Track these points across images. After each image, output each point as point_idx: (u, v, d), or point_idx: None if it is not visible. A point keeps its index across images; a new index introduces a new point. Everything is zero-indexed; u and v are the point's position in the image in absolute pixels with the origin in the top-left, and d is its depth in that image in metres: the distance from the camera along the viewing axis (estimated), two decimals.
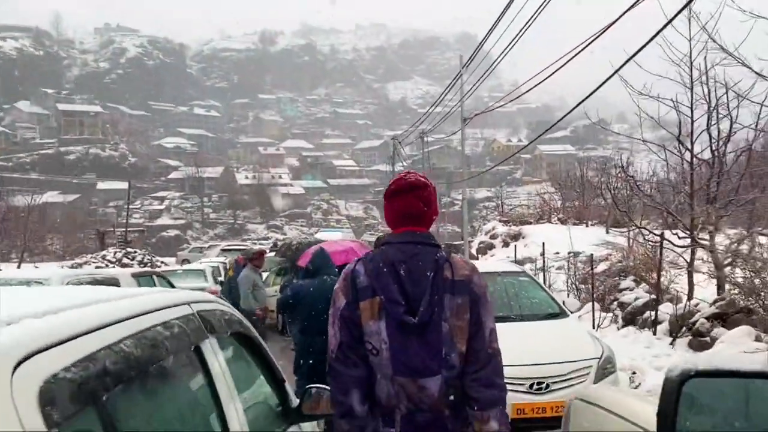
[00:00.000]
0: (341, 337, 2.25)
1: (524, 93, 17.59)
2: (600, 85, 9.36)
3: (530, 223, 26.47)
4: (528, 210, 34.60)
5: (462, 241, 24.18)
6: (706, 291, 9.75)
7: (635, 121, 11.45)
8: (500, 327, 2.36)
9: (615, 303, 11.48)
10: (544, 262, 15.41)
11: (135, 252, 31.84)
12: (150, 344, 1.36)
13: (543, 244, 15.69)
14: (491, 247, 24.85)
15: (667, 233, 10.45)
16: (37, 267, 32.94)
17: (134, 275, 10.28)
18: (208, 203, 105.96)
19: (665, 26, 7.96)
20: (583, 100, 10.75)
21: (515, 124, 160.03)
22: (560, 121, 18.27)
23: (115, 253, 30.81)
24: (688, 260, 10.11)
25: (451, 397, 2.21)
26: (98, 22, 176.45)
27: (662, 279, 10.27)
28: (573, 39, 11.47)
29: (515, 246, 20.51)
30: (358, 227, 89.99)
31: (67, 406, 1.01)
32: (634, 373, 7.23)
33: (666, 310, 9.27)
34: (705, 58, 9.41)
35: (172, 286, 11.61)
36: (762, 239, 11.30)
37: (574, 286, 13.59)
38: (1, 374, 0.93)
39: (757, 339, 5.86)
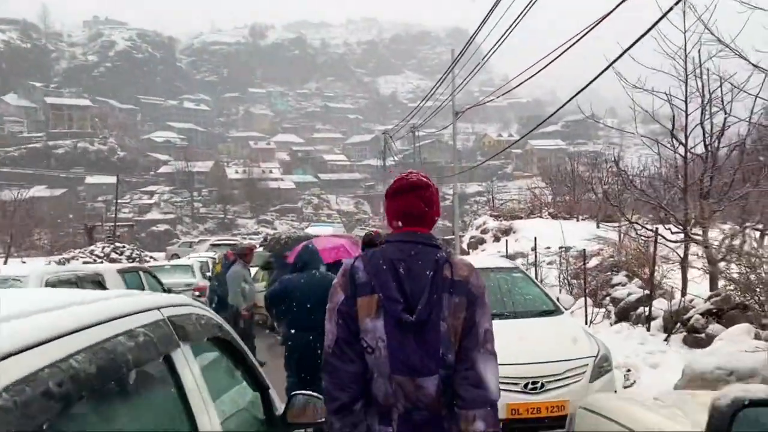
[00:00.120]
0: (338, 332, 2.23)
1: (515, 87, 17.51)
2: (595, 78, 9.25)
3: (521, 218, 26.39)
4: (519, 205, 34.52)
5: (453, 236, 24.06)
6: (699, 287, 9.66)
7: (626, 116, 11.38)
8: (493, 324, 2.31)
9: (607, 298, 11.38)
10: (536, 257, 15.31)
11: (123, 247, 31.56)
12: (108, 358, 1.19)
13: (535, 239, 15.59)
14: (482, 241, 24.77)
15: (660, 228, 10.36)
16: (24, 262, 32.63)
17: (120, 271, 10.08)
18: (198, 198, 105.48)
19: (661, 18, 7.84)
20: (577, 93, 10.64)
21: (506, 118, 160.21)
22: (552, 116, 18.21)
23: (103, 248, 30.53)
24: (681, 255, 10.02)
25: (449, 397, 2.19)
26: (86, 15, 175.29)
27: (655, 274, 10.18)
28: (564, 33, 11.35)
29: (506, 241, 20.41)
30: (348, 222, 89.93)
31: None
32: (628, 370, 7.12)
33: (660, 305, 9.17)
34: (699, 51, 9.31)
35: (160, 282, 11.43)
36: (756, 234, 11.27)
37: (566, 281, 13.50)
38: None
39: (756, 337, 5.76)
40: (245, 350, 2.29)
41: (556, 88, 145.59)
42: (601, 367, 5.45)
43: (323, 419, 2.34)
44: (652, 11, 8.21)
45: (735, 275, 8.26)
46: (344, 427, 2.19)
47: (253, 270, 11.72)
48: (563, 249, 16.35)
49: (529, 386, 5.15)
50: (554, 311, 6.55)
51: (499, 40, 13.73)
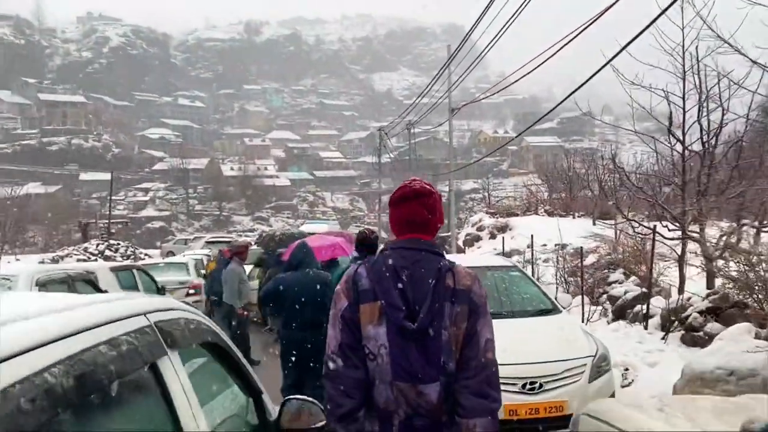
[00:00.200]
0: (342, 338, 2.23)
1: (512, 84, 17.45)
2: (594, 74, 9.16)
3: (517, 215, 26.38)
4: (515, 202, 34.48)
5: (449, 233, 24.01)
6: (697, 284, 9.61)
7: (621, 113, 11.33)
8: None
9: (604, 296, 11.33)
10: (532, 254, 15.26)
11: (118, 244, 31.49)
12: (86, 370, 1.11)
13: (531, 236, 15.53)
14: (478, 239, 24.73)
15: (657, 225, 10.31)
16: (18, 260, 32.47)
17: (113, 269, 9.98)
18: (193, 195, 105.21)
19: (660, 15, 7.76)
20: (576, 89, 10.57)
21: (502, 115, 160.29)
22: (548, 114, 18.16)
23: (97, 245, 30.46)
24: (679, 253, 9.97)
25: (449, 404, 2.20)
26: (80, 11, 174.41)
27: (652, 272, 10.13)
28: (561, 29, 11.28)
29: (503, 238, 20.36)
30: (344, 219, 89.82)
31: None
32: (626, 369, 7.06)
33: (657, 303, 9.11)
34: (696, 48, 9.25)
35: (154, 280, 11.33)
36: (752, 231, 11.24)
37: (562, 279, 13.45)
38: None
39: (757, 336, 5.70)
40: (238, 355, 2.21)
41: (552, 85, 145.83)
42: (600, 366, 5.38)
43: (318, 425, 2.28)
44: (648, 8, 8.16)
45: (734, 273, 8.21)
46: None
47: (248, 268, 11.64)
48: (559, 246, 16.31)
49: (527, 387, 5.08)
50: (552, 310, 6.48)
51: (496, 36, 13.64)
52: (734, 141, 10.17)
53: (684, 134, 9.95)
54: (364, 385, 2.21)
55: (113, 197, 51.60)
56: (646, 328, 8.87)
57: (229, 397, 2.22)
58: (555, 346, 5.51)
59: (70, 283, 6.55)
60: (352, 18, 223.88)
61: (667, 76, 9.82)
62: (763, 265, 7.46)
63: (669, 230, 10.00)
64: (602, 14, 9.34)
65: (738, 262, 8.16)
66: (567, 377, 5.17)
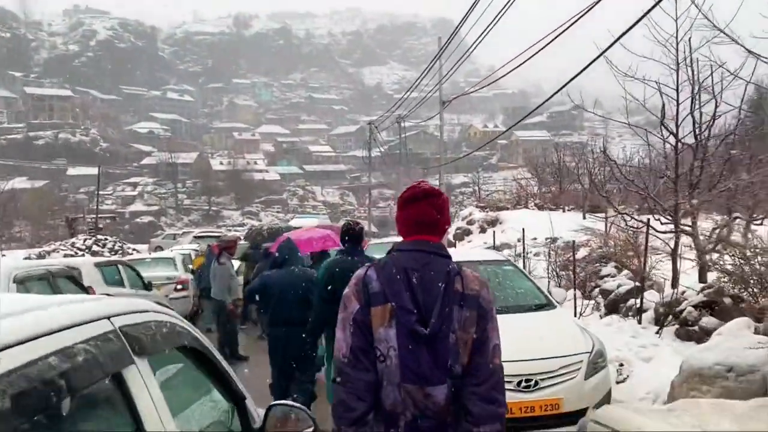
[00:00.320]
0: (353, 341, 2.23)
1: (501, 77, 17.35)
2: (586, 66, 9.06)
3: (507, 209, 26.30)
4: (505, 196, 34.43)
5: None
6: (690, 278, 9.53)
7: (611, 107, 11.23)
8: None
9: (597, 290, 11.23)
10: (524, 248, 15.15)
11: (105, 239, 31.15)
12: (27, 388, 0.95)
13: (523, 230, 15.42)
14: (468, 233, 24.65)
15: (650, 219, 10.21)
16: (4, 255, 32.08)
17: (97, 265, 9.80)
18: (182, 189, 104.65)
19: (654, 6, 7.64)
20: (568, 82, 10.45)
21: (491, 109, 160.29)
22: (539, 107, 18.11)
23: (84, 240, 30.10)
24: (672, 246, 9.88)
25: (456, 405, 2.22)
26: (67, 4, 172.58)
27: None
28: (551, 23, 11.13)
29: (493, 232, 20.24)
30: (334, 213, 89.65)
31: None
32: (621, 365, 6.94)
33: (651, 297, 9.01)
34: (689, 39, 9.15)
35: (140, 276, 11.14)
36: (744, 224, 11.18)
37: (554, 272, 13.35)
38: None
39: (756, 331, 5.60)
40: (218, 359, 2.06)
41: (541, 79, 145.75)
42: (596, 363, 5.27)
43: (306, 431, 2.16)
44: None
45: (729, 267, 8.12)
46: None
47: (236, 263, 11.50)
48: (550, 240, 16.22)
49: (523, 384, 4.97)
50: (547, 305, 6.35)
51: (485, 30, 13.53)
52: (726, 134, 10.09)
53: (677, 126, 9.86)
54: (374, 388, 2.21)
55: (101, 192, 51.18)
56: (639, 322, 8.77)
57: (209, 404, 2.07)
58: (550, 342, 5.39)
59: (50, 280, 6.35)
60: (342, 12, 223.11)
61: (660, 67, 9.73)
62: (759, 258, 7.38)
63: (661, 224, 9.91)
64: (592, 7, 9.22)
65: (733, 255, 8.08)
66: (563, 374, 5.05)
